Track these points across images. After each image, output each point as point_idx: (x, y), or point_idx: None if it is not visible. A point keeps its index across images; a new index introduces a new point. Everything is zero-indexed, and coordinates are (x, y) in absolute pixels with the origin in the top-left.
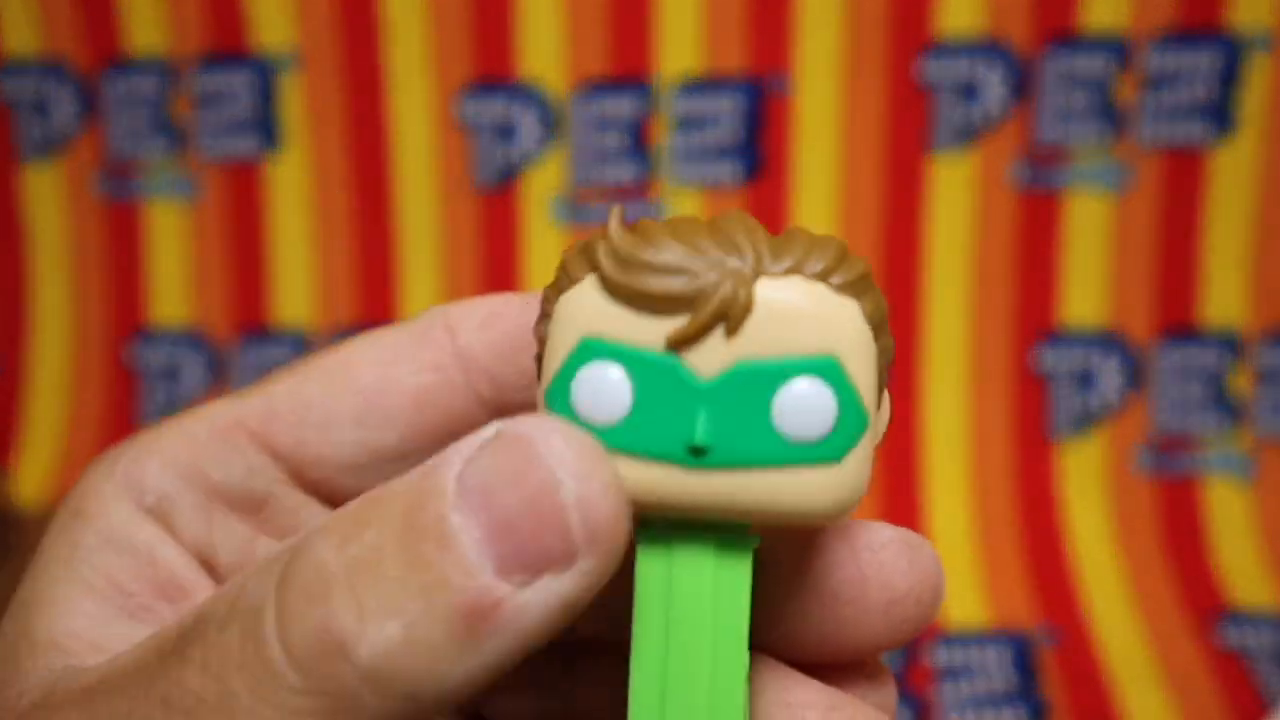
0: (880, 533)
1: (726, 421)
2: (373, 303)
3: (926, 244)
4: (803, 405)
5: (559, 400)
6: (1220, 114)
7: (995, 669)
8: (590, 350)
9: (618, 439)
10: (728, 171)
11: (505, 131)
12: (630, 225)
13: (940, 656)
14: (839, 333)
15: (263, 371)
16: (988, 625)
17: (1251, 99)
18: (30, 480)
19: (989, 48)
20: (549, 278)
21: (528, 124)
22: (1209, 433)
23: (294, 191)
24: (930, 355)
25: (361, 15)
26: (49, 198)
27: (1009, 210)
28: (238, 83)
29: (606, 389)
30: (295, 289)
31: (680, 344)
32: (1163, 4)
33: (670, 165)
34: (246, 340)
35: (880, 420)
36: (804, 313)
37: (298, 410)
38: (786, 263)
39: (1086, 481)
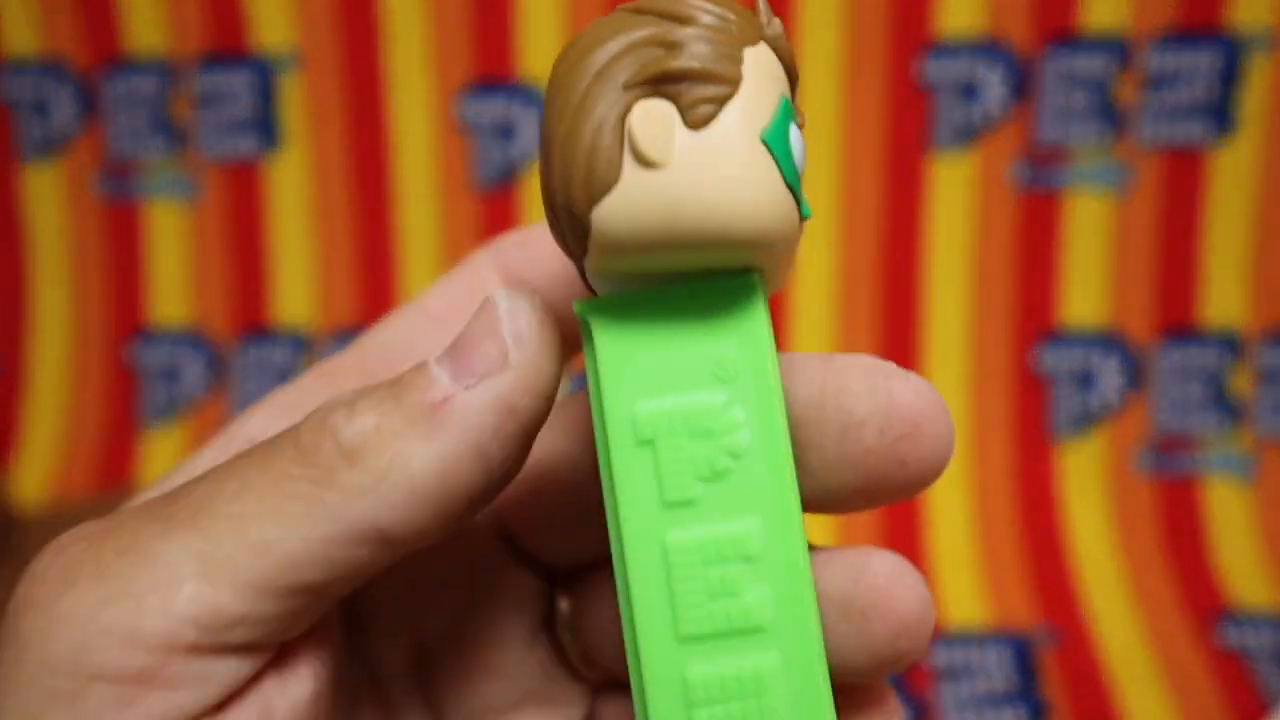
0: (846, 360)
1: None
2: (373, 303)
3: (926, 244)
4: (799, 144)
5: (779, 140)
6: (1220, 114)
7: (995, 669)
8: (790, 110)
9: (794, 183)
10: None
11: (505, 131)
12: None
13: (940, 657)
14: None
15: (263, 371)
16: (988, 625)
17: (1251, 99)
18: (30, 480)
19: (989, 48)
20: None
21: (528, 124)
22: (1209, 433)
23: (294, 191)
24: (930, 355)
25: (361, 15)
26: (49, 198)
27: (1009, 210)
28: (238, 83)
29: (799, 144)
30: (295, 289)
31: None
32: (1163, 4)
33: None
34: (246, 340)
35: None
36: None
37: (383, 347)
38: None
39: (1086, 481)
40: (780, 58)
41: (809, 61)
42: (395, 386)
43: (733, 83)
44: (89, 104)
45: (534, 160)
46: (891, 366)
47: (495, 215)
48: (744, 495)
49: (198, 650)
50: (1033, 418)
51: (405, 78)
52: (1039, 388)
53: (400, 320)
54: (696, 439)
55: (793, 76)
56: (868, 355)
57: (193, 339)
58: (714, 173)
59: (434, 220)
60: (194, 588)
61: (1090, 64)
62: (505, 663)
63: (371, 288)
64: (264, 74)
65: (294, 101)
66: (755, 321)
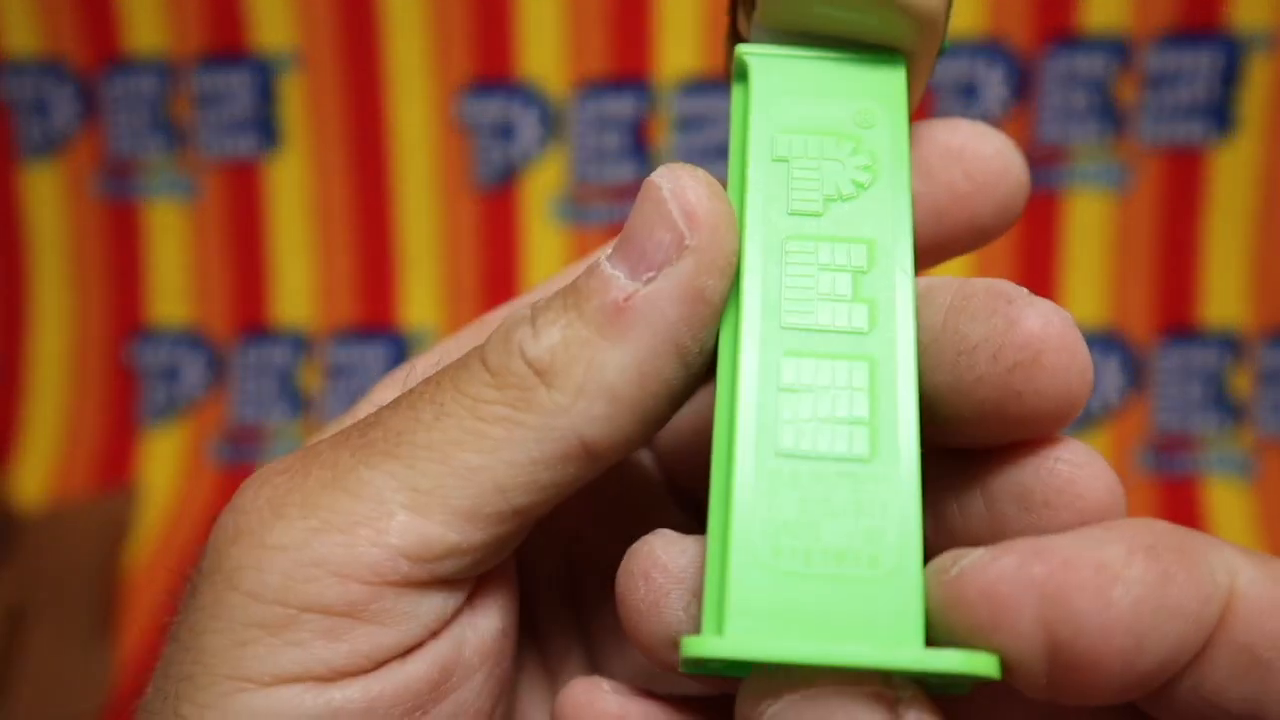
0: (977, 283)
1: None
2: (373, 303)
3: None
4: None
5: None
6: (1220, 114)
7: None
8: None
9: None
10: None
11: (505, 131)
12: None
13: None
14: None
15: (263, 371)
16: None
17: (1251, 99)
18: (30, 480)
19: (989, 48)
20: (549, 277)
21: (528, 124)
22: (1209, 433)
23: (294, 191)
24: None
25: (361, 15)
26: (49, 198)
27: None
28: (238, 83)
29: None
30: (295, 289)
31: None
32: (1163, 4)
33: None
34: (246, 340)
35: None
36: None
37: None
38: None
39: None
40: None
41: None
42: (572, 294)
43: None
44: (89, 104)
45: (534, 160)
46: (1020, 291)
47: (495, 215)
48: (864, 218)
49: (408, 583)
50: None
51: (405, 78)
52: None
53: (471, 334)
54: (828, 163)
55: None
56: (1004, 280)
57: (193, 339)
58: None
59: (434, 220)
60: (404, 518)
61: (1090, 64)
62: None
63: (371, 288)
64: (264, 74)
65: (294, 101)
66: (896, 84)
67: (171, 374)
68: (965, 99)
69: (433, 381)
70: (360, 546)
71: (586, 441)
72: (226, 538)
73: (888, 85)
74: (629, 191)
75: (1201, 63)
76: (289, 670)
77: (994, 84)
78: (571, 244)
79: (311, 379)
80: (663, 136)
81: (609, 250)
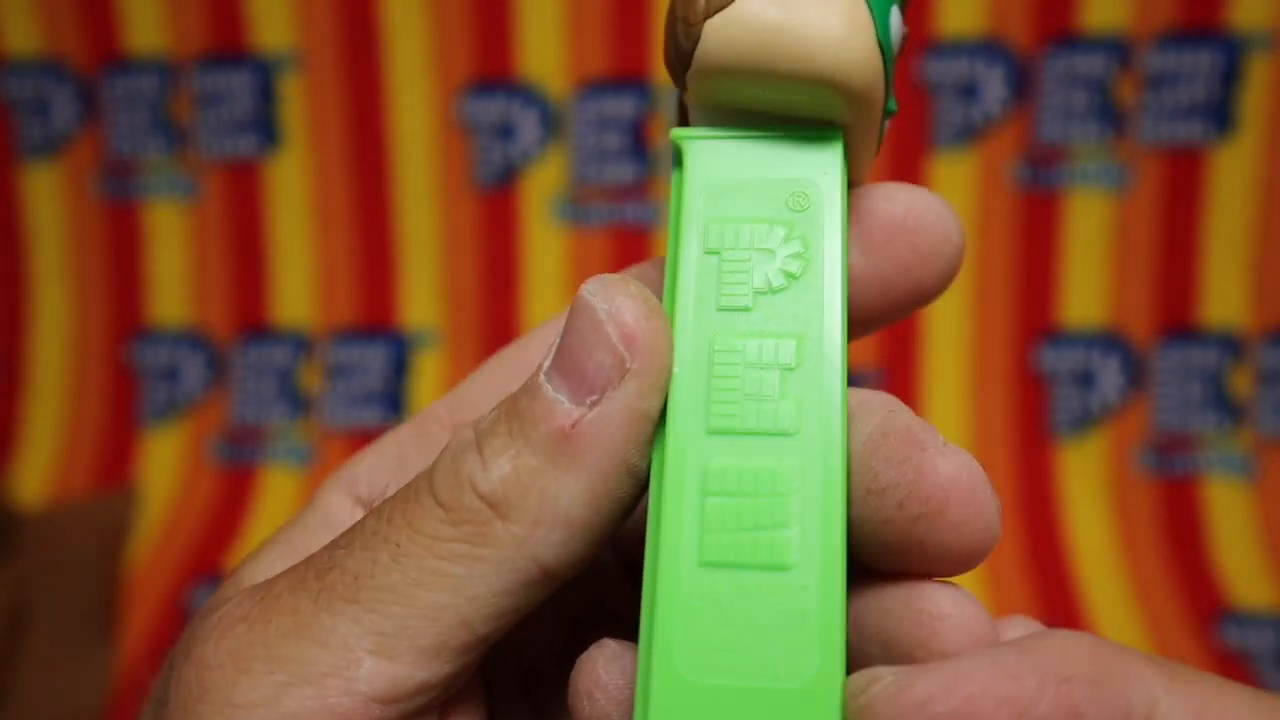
0: (900, 419)
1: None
2: (373, 303)
3: None
4: (896, 20)
5: (881, 5)
6: (1220, 114)
7: None
8: None
9: (887, 43)
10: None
11: (505, 131)
12: None
13: None
14: None
15: (263, 371)
16: None
17: (1251, 99)
18: (30, 480)
19: (989, 48)
20: (549, 277)
21: (528, 124)
22: (1209, 433)
23: (294, 191)
24: (930, 355)
25: (361, 15)
26: (49, 198)
27: (1009, 210)
28: (238, 83)
29: (897, 20)
30: (295, 289)
31: None
32: (1163, 4)
33: (670, 165)
34: (246, 340)
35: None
36: None
37: (479, 393)
38: None
39: (1087, 481)
40: None
41: None
42: (516, 420)
43: None
44: (89, 104)
45: (534, 160)
46: (934, 439)
47: (495, 215)
48: (793, 312)
49: None
50: (1033, 418)
51: (405, 78)
52: (1039, 388)
53: (498, 365)
54: (759, 253)
55: None
56: (918, 419)
57: (193, 339)
58: (817, 8)
59: (434, 220)
60: (372, 664)
61: (1090, 64)
62: None
63: (371, 288)
64: (264, 74)
65: (294, 101)
66: (833, 160)
67: (171, 374)
68: (965, 99)
69: (384, 517)
70: (332, 698)
71: (545, 566)
72: (191, 695)
73: (825, 162)
74: (629, 191)
75: (1201, 63)
76: None
77: (994, 84)
78: (571, 244)
79: (311, 379)
80: (663, 136)
81: (547, 366)
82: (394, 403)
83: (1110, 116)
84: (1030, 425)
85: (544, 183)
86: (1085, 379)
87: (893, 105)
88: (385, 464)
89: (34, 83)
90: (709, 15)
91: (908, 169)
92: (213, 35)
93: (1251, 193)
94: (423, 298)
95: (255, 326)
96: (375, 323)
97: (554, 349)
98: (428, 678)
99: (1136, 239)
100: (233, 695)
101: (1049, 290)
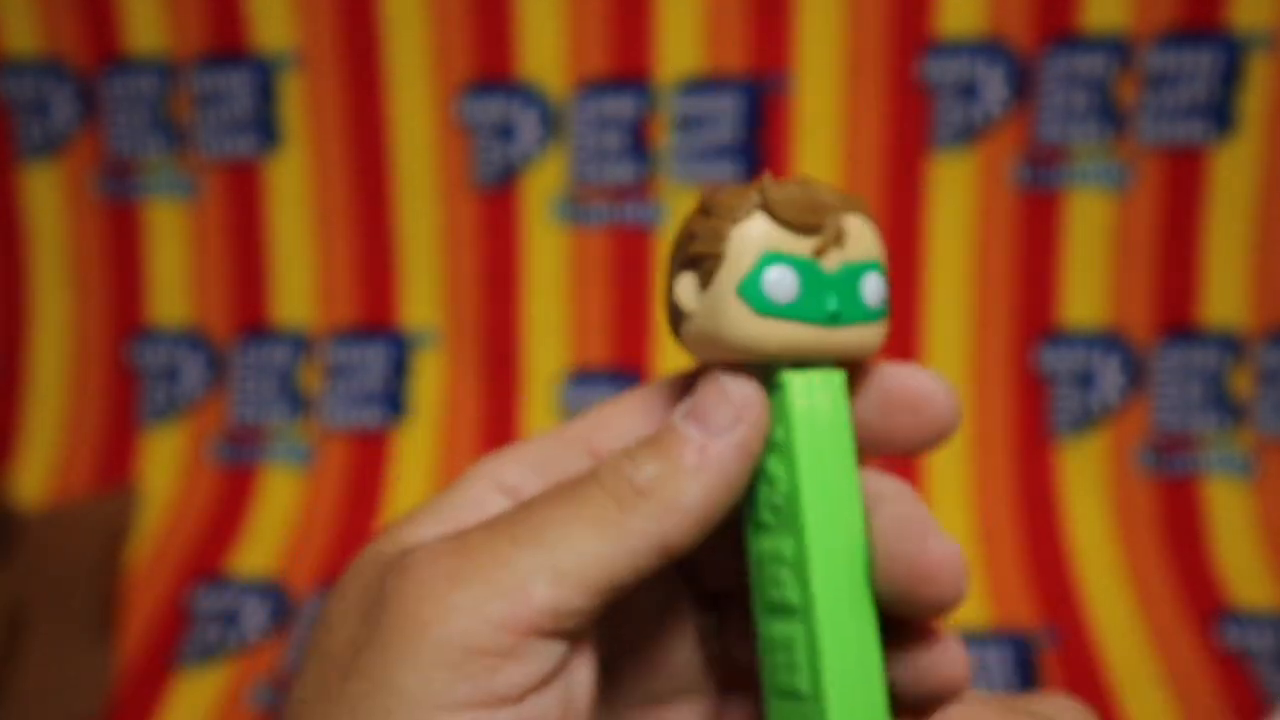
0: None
1: (843, 298)
2: (373, 303)
3: (926, 244)
4: (874, 286)
5: (753, 290)
6: (1220, 114)
7: (995, 669)
8: (772, 258)
9: (790, 312)
10: (728, 171)
11: (505, 131)
12: (774, 180)
13: None
14: (878, 247)
15: (263, 371)
16: (988, 626)
17: (1251, 99)
18: (30, 480)
19: (989, 48)
20: (549, 277)
21: (528, 124)
22: (1209, 433)
23: (294, 191)
24: (930, 355)
25: (361, 15)
26: (49, 198)
27: (1009, 210)
28: (238, 83)
29: (784, 281)
30: (295, 289)
31: (819, 253)
32: (1163, 4)
33: (670, 165)
34: (246, 340)
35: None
36: (865, 235)
37: (617, 425)
38: (849, 206)
39: (1087, 482)
40: (777, 217)
41: (808, 63)
42: (660, 445)
43: (717, 256)
44: (89, 104)
45: (534, 160)
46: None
47: (495, 215)
48: (787, 526)
49: (543, 634)
50: (1033, 418)
51: (405, 78)
52: (1039, 388)
53: (636, 406)
54: (767, 485)
55: (803, 223)
56: (922, 507)
57: (193, 339)
58: (712, 316)
59: (434, 220)
60: (546, 589)
61: (1090, 64)
62: (672, 662)
63: (371, 288)
64: (264, 74)
65: (294, 101)
66: (788, 414)
67: (171, 374)
68: (965, 99)
69: (561, 493)
70: (518, 609)
71: (667, 544)
72: (413, 597)
73: (782, 412)
74: (629, 191)
75: (1201, 63)
76: (466, 698)
77: (994, 84)
78: (571, 244)
79: (311, 379)
80: (662, 136)
81: (683, 414)
82: (394, 402)
83: (1110, 116)
84: (1030, 425)
85: (544, 183)
86: (1085, 379)
87: (850, 317)
88: (529, 464)
89: (34, 83)
90: (677, 330)
91: (908, 169)
92: (212, 35)
93: (1251, 193)
94: (423, 298)
95: (255, 326)
96: (375, 323)
97: (688, 403)
98: (582, 605)
99: (1136, 239)
100: (447, 600)
101: (1049, 290)
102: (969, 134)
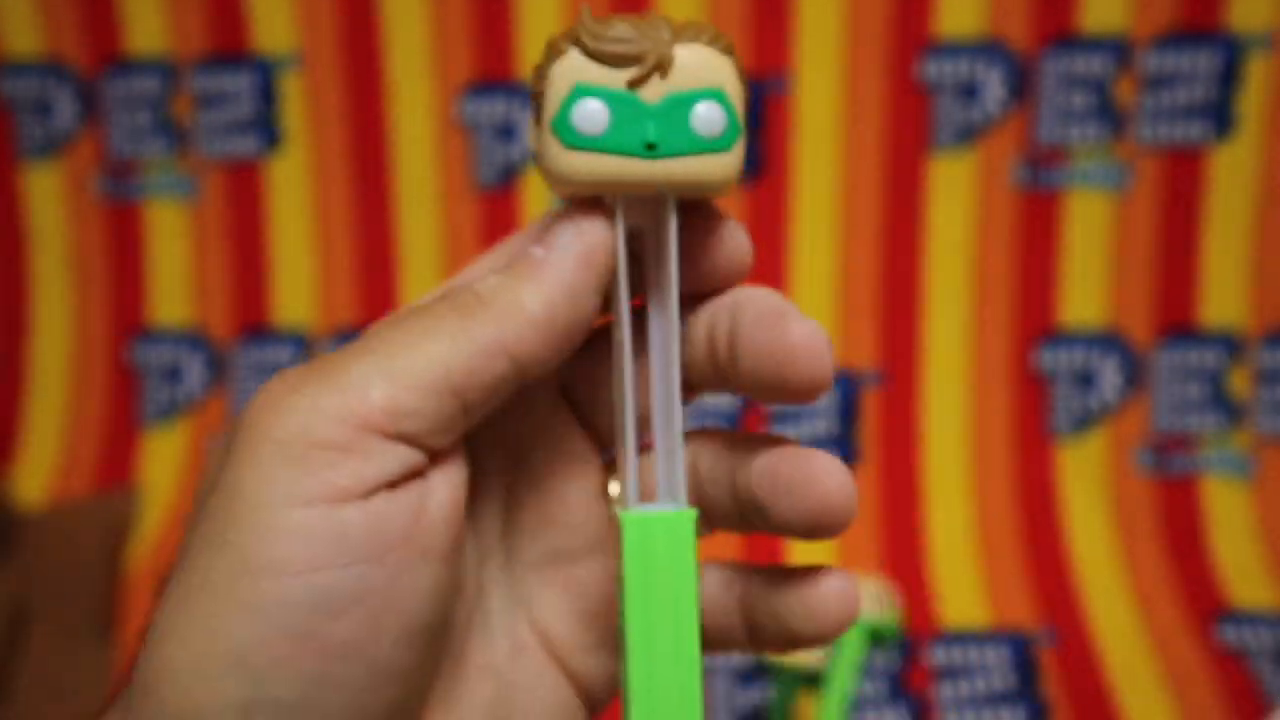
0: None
1: (665, 128)
2: (373, 303)
3: (926, 244)
4: (706, 116)
5: (563, 125)
6: (1220, 114)
7: (995, 669)
8: (581, 91)
9: (601, 144)
10: None
11: (505, 131)
12: (595, 17)
13: (939, 656)
14: (722, 75)
15: (263, 372)
16: (988, 625)
17: (1251, 99)
18: (30, 480)
19: (989, 48)
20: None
21: (527, 124)
22: (1209, 433)
23: (294, 191)
24: (930, 355)
25: (362, 15)
26: (49, 198)
27: (1009, 210)
28: (238, 83)
29: (592, 113)
30: (295, 289)
31: (635, 84)
32: (1163, 4)
33: None
34: (246, 340)
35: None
36: (705, 64)
37: (483, 264)
38: (689, 36)
39: (1086, 481)
40: (588, 53)
41: (809, 62)
42: (507, 268)
43: (540, 95)
44: (89, 104)
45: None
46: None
47: (495, 215)
48: (620, 647)
49: (383, 432)
50: (1033, 418)
51: (405, 78)
52: (1039, 388)
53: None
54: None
55: (617, 55)
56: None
57: (193, 339)
58: (541, 151)
59: (434, 220)
60: (381, 386)
61: (1090, 64)
62: (573, 516)
63: (371, 288)
64: (264, 74)
65: (294, 101)
66: (622, 552)
67: (172, 374)
68: (965, 99)
69: (408, 309)
70: (352, 404)
71: (507, 347)
72: (254, 409)
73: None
74: None
75: (1201, 63)
76: (310, 493)
77: (994, 84)
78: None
79: None
80: None
81: (531, 245)
82: None
83: (1110, 116)
84: (1030, 425)
85: (543, 183)
86: (1085, 379)
87: (660, 149)
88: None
89: (35, 83)
90: (539, 163)
91: (907, 169)
92: (213, 36)
93: (1251, 193)
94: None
95: (255, 326)
96: (376, 323)
97: (535, 234)
98: (417, 406)
99: (1136, 239)
100: (284, 403)
101: (1049, 290)
102: (968, 134)
